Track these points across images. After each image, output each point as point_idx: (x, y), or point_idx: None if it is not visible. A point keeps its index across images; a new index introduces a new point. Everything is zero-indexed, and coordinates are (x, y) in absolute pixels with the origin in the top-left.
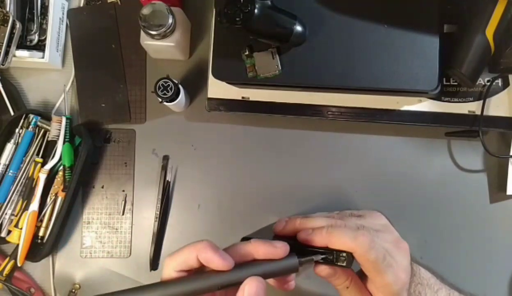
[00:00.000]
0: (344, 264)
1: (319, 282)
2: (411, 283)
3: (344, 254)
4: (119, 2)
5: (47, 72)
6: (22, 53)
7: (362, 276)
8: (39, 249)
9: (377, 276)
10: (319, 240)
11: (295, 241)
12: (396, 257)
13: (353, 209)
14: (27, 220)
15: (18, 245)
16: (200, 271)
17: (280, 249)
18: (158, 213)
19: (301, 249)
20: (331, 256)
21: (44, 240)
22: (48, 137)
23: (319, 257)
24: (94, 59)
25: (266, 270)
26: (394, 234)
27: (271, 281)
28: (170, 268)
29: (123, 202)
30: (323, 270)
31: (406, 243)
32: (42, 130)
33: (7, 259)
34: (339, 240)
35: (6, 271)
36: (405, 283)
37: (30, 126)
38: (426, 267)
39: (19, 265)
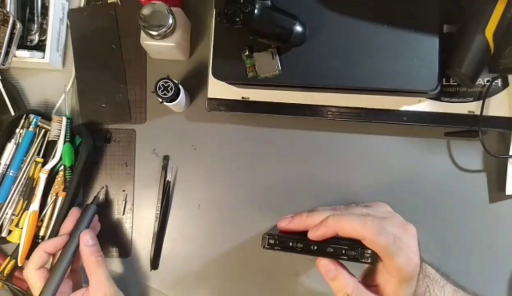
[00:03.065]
0: (369, 261)
1: (319, 282)
2: (419, 274)
3: (369, 251)
4: (119, 2)
5: (48, 72)
6: (22, 53)
7: (370, 274)
8: None
9: (389, 260)
10: (328, 230)
11: (302, 236)
12: (406, 240)
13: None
14: (27, 220)
15: (18, 245)
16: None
17: (74, 210)
18: (158, 213)
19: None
20: (355, 252)
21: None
22: (48, 137)
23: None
24: (94, 60)
25: (83, 225)
26: (400, 219)
27: None
28: (31, 268)
29: (123, 202)
30: (324, 265)
31: (412, 226)
32: (43, 131)
33: (8, 258)
34: (348, 226)
35: (7, 271)
36: (417, 265)
37: (31, 127)
38: (429, 264)
39: (19, 265)
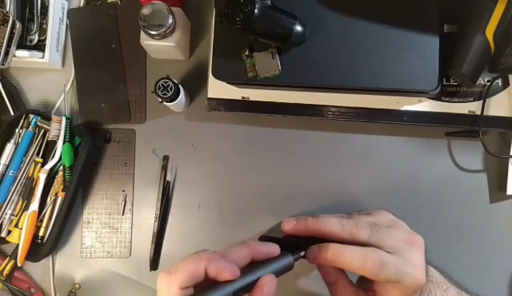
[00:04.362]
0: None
1: (319, 282)
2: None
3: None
4: (119, 2)
5: (47, 72)
6: (22, 53)
7: (368, 279)
8: (39, 249)
9: (393, 286)
10: (326, 259)
11: (307, 240)
12: (411, 256)
13: (357, 209)
14: (27, 220)
15: (18, 245)
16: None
17: (275, 247)
18: (158, 213)
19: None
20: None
21: (44, 240)
22: (48, 137)
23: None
24: (94, 59)
25: (271, 269)
26: (405, 229)
27: None
28: (174, 286)
29: (123, 202)
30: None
31: (419, 237)
32: (42, 131)
33: (7, 259)
34: (348, 264)
35: (6, 271)
36: (421, 282)
37: (30, 126)
38: (432, 266)
39: (19, 265)
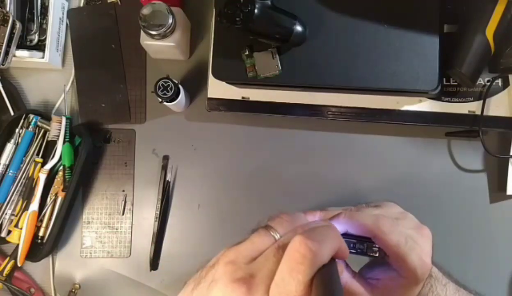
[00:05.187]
0: (376, 255)
1: None
2: None
3: (377, 246)
4: (119, 2)
5: (47, 72)
6: (22, 53)
7: (372, 266)
8: (39, 249)
9: (401, 260)
10: (339, 226)
11: None
12: (419, 242)
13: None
14: (27, 220)
15: (18, 245)
16: None
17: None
18: (158, 213)
19: None
20: (362, 246)
21: (44, 240)
22: (48, 137)
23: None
24: (94, 59)
25: None
26: (414, 221)
27: None
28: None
29: (123, 202)
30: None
31: (427, 229)
32: (42, 131)
33: (7, 259)
34: (359, 222)
35: (6, 271)
36: (428, 268)
37: (30, 127)
38: (432, 262)
39: (19, 265)
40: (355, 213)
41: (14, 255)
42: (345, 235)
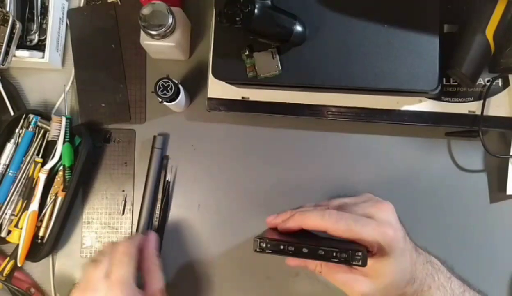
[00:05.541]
0: (360, 263)
1: (319, 282)
2: (418, 257)
3: (360, 254)
4: (119, 2)
5: (47, 72)
6: (22, 53)
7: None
8: (39, 249)
9: (360, 240)
10: (293, 224)
11: (294, 239)
12: (377, 216)
13: None
14: (27, 220)
15: (18, 245)
16: None
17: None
18: (158, 213)
19: (312, 242)
20: (346, 255)
21: (44, 240)
22: (48, 137)
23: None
24: (94, 59)
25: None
26: (374, 200)
27: None
28: None
29: (123, 202)
30: (292, 261)
31: (388, 203)
32: (42, 131)
33: (7, 259)
34: (310, 221)
35: (6, 271)
36: (393, 237)
37: (30, 126)
38: (434, 256)
39: (19, 265)
40: (307, 212)
41: (14, 255)
42: (329, 241)
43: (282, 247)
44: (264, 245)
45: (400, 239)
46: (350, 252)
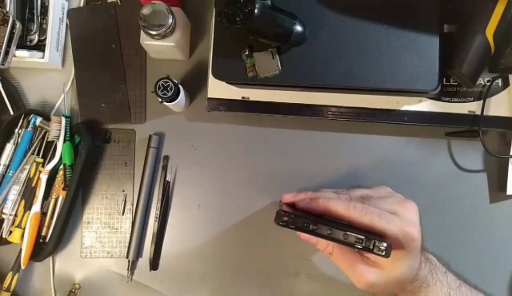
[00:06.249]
0: (383, 254)
1: (319, 282)
2: (420, 257)
3: (385, 245)
4: (119, 2)
5: (47, 72)
6: (22, 53)
7: None
8: (42, 248)
9: (383, 234)
10: (316, 207)
11: (317, 218)
12: (402, 214)
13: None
14: (29, 223)
15: (20, 250)
16: None
17: None
18: (158, 213)
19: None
20: (369, 243)
21: (47, 240)
22: (47, 138)
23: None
24: (94, 59)
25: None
26: (398, 197)
27: None
28: None
29: (123, 202)
30: (304, 234)
31: (412, 202)
32: (42, 131)
33: (10, 274)
34: (334, 209)
35: (12, 287)
36: (414, 238)
37: (30, 126)
38: (430, 253)
39: (22, 267)
40: (331, 200)
41: (16, 268)
42: (353, 228)
43: (306, 224)
44: (287, 219)
45: (420, 240)
46: (375, 242)
